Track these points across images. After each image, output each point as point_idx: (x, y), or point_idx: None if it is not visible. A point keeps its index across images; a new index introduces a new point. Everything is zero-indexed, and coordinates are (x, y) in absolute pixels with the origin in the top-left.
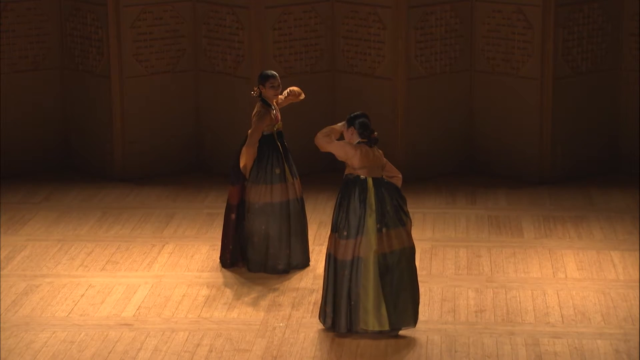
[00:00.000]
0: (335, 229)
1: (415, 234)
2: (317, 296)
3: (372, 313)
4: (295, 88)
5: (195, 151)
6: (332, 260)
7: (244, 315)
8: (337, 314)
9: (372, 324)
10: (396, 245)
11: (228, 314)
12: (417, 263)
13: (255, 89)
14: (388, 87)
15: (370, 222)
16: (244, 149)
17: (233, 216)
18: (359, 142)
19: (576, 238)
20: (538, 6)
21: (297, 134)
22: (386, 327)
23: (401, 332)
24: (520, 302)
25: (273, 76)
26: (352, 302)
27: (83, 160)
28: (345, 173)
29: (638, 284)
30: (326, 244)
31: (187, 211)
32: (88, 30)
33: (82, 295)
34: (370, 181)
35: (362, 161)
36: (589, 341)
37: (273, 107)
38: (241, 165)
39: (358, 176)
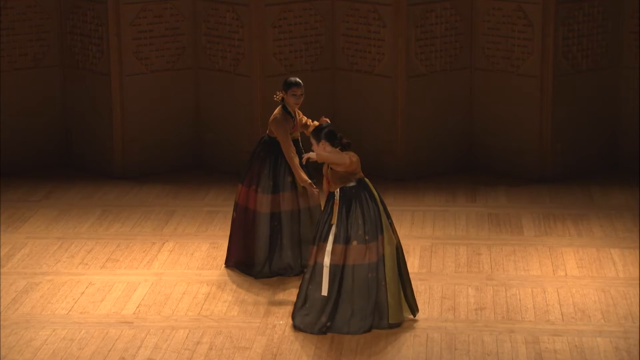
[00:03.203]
0: (347, 240)
1: (415, 231)
2: None
3: (396, 306)
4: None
5: (195, 149)
6: (344, 270)
7: (244, 313)
8: (343, 317)
9: (397, 317)
10: (397, 236)
11: (228, 312)
12: (417, 261)
13: (278, 93)
14: (388, 84)
15: (384, 218)
16: (289, 162)
17: (234, 215)
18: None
19: (576, 236)
20: (538, 4)
21: None
22: (409, 315)
23: (401, 331)
24: (520, 300)
25: (296, 84)
26: (379, 300)
27: (83, 158)
28: (340, 187)
29: (638, 281)
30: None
31: (187, 209)
32: (88, 28)
33: (82, 293)
34: (368, 180)
35: (357, 164)
36: (589, 339)
37: (293, 116)
38: (304, 179)
39: (360, 180)
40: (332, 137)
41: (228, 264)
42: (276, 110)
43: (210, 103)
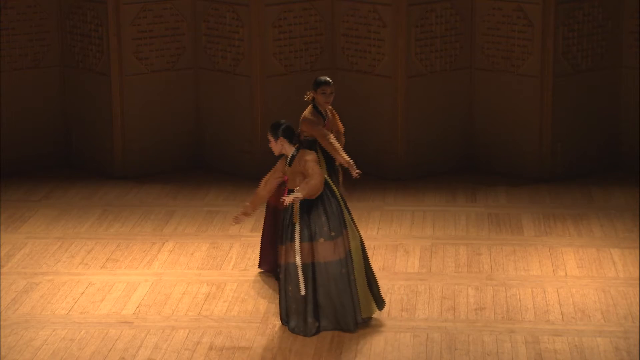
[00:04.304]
0: (311, 237)
1: (415, 231)
2: None
3: (365, 300)
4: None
5: (195, 149)
6: (315, 268)
7: (244, 313)
8: (328, 314)
9: (367, 311)
10: (358, 231)
11: (228, 312)
12: (417, 261)
13: (309, 93)
14: (388, 84)
15: (345, 213)
16: (329, 147)
17: (265, 216)
18: (297, 149)
19: (576, 236)
20: (538, 4)
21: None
22: (375, 311)
23: (401, 331)
24: (520, 300)
25: (326, 83)
26: (353, 295)
27: (83, 158)
28: (291, 188)
29: (638, 281)
30: None
31: (187, 209)
32: (88, 27)
33: (82, 293)
34: (327, 177)
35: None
36: (589, 339)
37: (324, 116)
38: (346, 159)
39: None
40: (289, 134)
41: (263, 267)
42: (306, 110)
43: (210, 103)
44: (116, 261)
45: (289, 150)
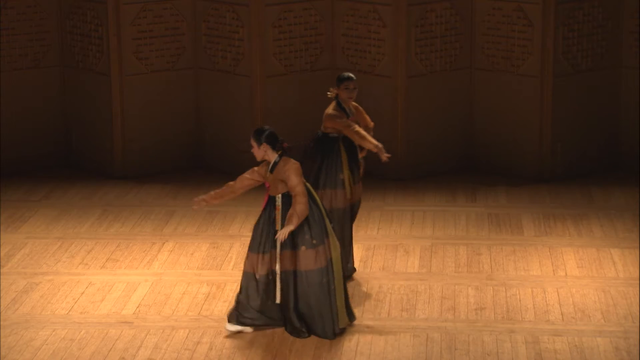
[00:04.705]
0: (294, 245)
1: (415, 231)
2: None
3: (342, 311)
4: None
5: (195, 149)
6: (296, 276)
7: None
8: (315, 322)
9: (344, 321)
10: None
11: (228, 312)
12: (417, 261)
13: (332, 89)
14: (388, 84)
15: (327, 222)
16: (355, 136)
17: None
18: (280, 156)
19: (576, 236)
20: (538, 4)
21: (296, 132)
22: (348, 321)
23: (401, 331)
24: (520, 300)
25: (349, 78)
26: (332, 305)
27: (83, 158)
28: (282, 192)
29: (638, 281)
30: None
31: (187, 209)
32: (88, 28)
33: (82, 293)
34: (309, 185)
35: (300, 169)
36: (589, 339)
37: (348, 113)
38: (374, 143)
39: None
40: (273, 140)
41: None
42: (329, 107)
43: (210, 103)
44: (116, 261)
45: (272, 156)
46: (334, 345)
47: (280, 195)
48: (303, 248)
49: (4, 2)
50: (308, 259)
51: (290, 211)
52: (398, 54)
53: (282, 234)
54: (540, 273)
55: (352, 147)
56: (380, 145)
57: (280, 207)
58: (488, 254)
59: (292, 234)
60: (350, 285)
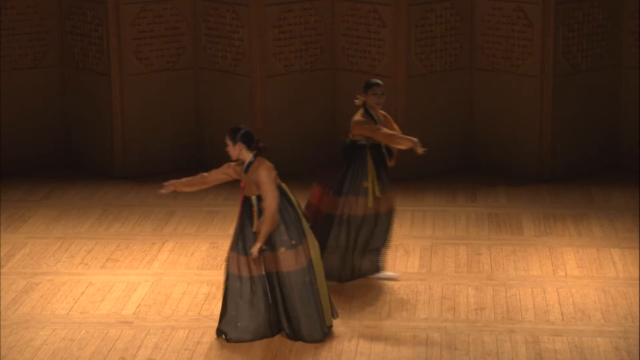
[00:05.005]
0: (273, 247)
1: (415, 231)
2: None
3: (327, 309)
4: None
5: (195, 149)
6: (279, 277)
7: None
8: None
9: (329, 320)
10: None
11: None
12: (417, 261)
13: (359, 96)
14: (388, 84)
15: (304, 222)
16: (387, 139)
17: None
18: (254, 156)
19: (576, 236)
20: (538, 4)
21: (296, 132)
22: (333, 318)
23: (401, 331)
24: (520, 300)
25: (376, 84)
26: (317, 305)
27: (83, 158)
28: (257, 194)
29: (638, 281)
30: None
31: (187, 209)
32: (88, 28)
33: (82, 293)
34: (285, 186)
35: (274, 170)
36: (589, 339)
37: (376, 120)
38: (407, 138)
39: (277, 186)
40: (248, 139)
41: None
42: (357, 114)
43: (210, 103)
44: (116, 261)
45: (247, 156)
46: (334, 345)
47: (255, 197)
48: (282, 249)
49: (4, 2)
50: (288, 260)
51: (260, 223)
52: (398, 54)
53: (254, 252)
54: (540, 273)
55: (380, 156)
56: (415, 139)
57: (256, 208)
58: (488, 254)
59: (270, 236)
60: (350, 285)
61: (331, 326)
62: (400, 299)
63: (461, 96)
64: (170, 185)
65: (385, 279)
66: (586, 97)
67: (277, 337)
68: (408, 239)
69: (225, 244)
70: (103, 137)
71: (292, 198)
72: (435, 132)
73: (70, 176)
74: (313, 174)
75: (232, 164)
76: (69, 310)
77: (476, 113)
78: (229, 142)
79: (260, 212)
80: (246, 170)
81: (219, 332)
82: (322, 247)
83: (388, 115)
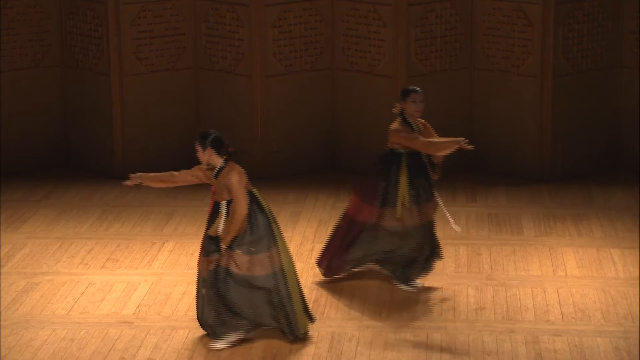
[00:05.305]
0: (231, 247)
1: None
2: (317, 294)
3: (302, 316)
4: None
5: (195, 149)
6: (225, 273)
7: None
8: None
9: (304, 326)
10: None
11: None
12: None
13: (397, 105)
14: (388, 84)
15: (275, 229)
16: (429, 147)
17: (341, 223)
18: (225, 161)
19: (576, 236)
20: (538, 4)
21: (296, 132)
22: (309, 324)
23: (401, 331)
24: (520, 300)
25: (415, 91)
26: (287, 312)
27: (83, 158)
28: (227, 199)
29: (638, 281)
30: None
31: (187, 209)
32: (88, 27)
33: (82, 293)
34: (256, 192)
35: (245, 176)
36: (589, 339)
37: (414, 128)
38: (451, 139)
39: (248, 192)
40: (218, 144)
41: (321, 266)
42: (394, 123)
43: (210, 103)
44: (116, 261)
45: (217, 161)
46: (333, 345)
47: (225, 202)
48: (238, 252)
49: (4, 2)
50: (242, 263)
51: (227, 224)
52: (398, 54)
53: (223, 248)
54: (540, 273)
55: (419, 165)
56: (458, 138)
57: (224, 214)
58: (488, 254)
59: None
60: (350, 285)
61: (306, 333)
62: (400, 299)
63: (461, 96)
64: (137, 178)
65: (413, 288)
66: (586, 97)
67: (277, 336)
68: None
69: None
70: (103, 137)
71: (264, 204)
72: (435, 132)
73: (70, 176)
74: (353, 185)
75: (203, 167)
76: (69, 310)
77: (476, 113)
78: (198, 147)
79: (228, 215)
80: (216, 175)
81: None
82: (368, 258)
83: (428, 125)
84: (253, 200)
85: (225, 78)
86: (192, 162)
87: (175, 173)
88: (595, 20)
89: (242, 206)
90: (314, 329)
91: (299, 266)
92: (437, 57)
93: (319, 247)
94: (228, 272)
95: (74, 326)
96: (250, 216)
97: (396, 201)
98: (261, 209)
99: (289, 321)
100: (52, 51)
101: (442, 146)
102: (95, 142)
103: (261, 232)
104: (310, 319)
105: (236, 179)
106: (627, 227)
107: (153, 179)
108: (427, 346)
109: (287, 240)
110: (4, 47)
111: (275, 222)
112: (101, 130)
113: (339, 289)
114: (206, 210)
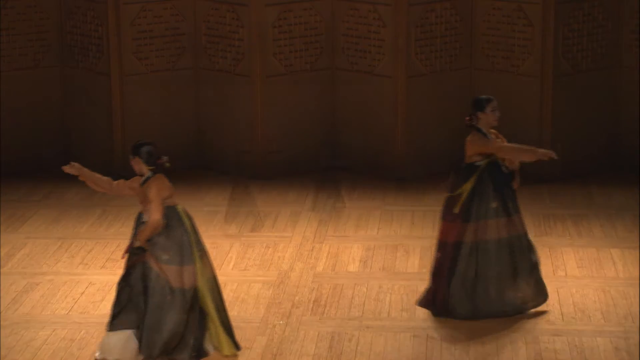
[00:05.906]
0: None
1: (415, 231)
2: (317, 294)
3: (228, 338)
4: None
5: (195, 149)
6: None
7: (244, 313)
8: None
9: (231, 349)
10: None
11: (228, 312)
12: (417, 261)
13: (471, 116)
14: (388, 84)
15: (194, 248)
16: (509, 152)
17: (438, 255)
18: (151, 172)
19: (576, 236)
20: (538, 4)
21: (296, 132)
22: (232, 352)
23: (401, 331)
24: None
25: (491, 99)
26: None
27: (83, 158)
28: (142, 211)
29: (638, 281)
30: (326, 241)
31: (186, 209)
32: (88, 28)
33: (82, 293)
34: (181, 208)
35: (168, 189)
36: (589, 339)
37: (489, 138)
38: (537, 151)
39: (170, 207)
40: (147, 155)
41: (425, 304)
42: (469, 135)
43: (210, 103)
44: (116, 261)
45: (145, 171)
46: (334, 345)
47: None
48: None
49: (4, 2)
50: (169, 271)
51: (142, 230)
52: (398, 54)
53: (137, 243)
54: None
55: (498, 175)
56: (542, 150)
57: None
58: None
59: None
60: (350, 285)
61: (235, 354)
62: (400, 299)
63: (461, 96)
64: (76, 169)
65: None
66: (586, 97)
67: (277, 336)
68: (408, 239)
69: (225, 244)
70: (103, 137)
71: (187, 221)
72: (435, 132)
73: (70, 176)
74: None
75: (136, 178)
76: (69, 310)
77: None
78: (130, 156)
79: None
80: (142, 184)
81: None
82: (451, 277)
83: (500, 135)
84: (175, 216)
85: (225, 78)
86: (192, 162)
87: (114, 182)
88: (595, 20)
89: (155, 216)
90: (314, 329)
91: (298, 266)
92: (437, 57)
93: (318, 247)
94: (146, 266)
95: (74, 326)
96: (167, 225)
97: (487, 214)
98: (182, 225)
99: (148, 336)
100: (52, 51)
101: (523, 154)
102: (95, 142)
103: (176, 243)
104: (237, 347)
105: (154, 191)
106: (627, 227)
107: (89, 179)
108: (427, 346)
109: (287, 240)
110: (4, 47)
111: (199, 245)
112: (101, 130)
113: (339, 289)
114: (206, 210)
